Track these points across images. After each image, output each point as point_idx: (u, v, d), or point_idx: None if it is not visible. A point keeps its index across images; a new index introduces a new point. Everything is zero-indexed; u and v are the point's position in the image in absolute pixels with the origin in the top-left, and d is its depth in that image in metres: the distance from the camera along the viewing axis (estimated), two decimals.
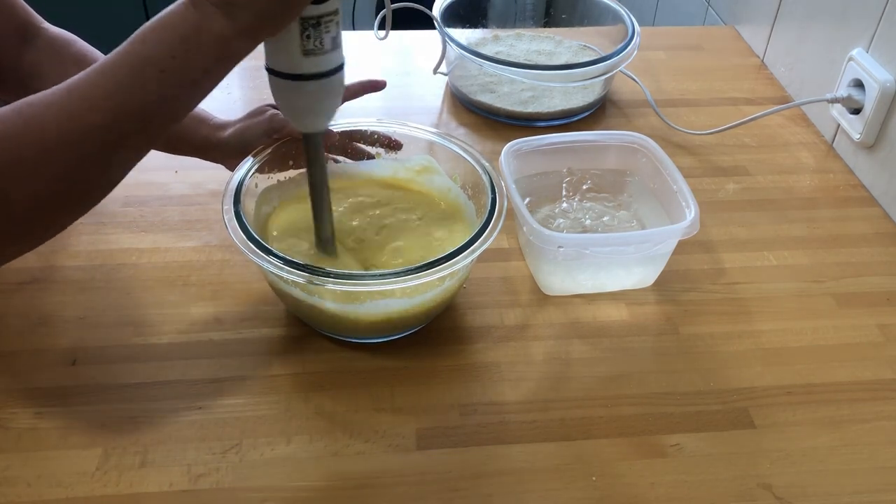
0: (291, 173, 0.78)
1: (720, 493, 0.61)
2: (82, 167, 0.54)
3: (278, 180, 0.77)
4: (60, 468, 0.61)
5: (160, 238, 0.81)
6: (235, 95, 1.04)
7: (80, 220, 0.83)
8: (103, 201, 0.83)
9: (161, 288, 0.76)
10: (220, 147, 0.77)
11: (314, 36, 0.57)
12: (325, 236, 0.70)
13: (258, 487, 0.60)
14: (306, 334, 0.72)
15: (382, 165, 0.80)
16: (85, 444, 0.62)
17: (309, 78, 0.60)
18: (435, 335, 0.72)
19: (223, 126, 0.78)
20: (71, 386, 0.67)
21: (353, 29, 1.91)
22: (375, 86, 0.81)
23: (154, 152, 0.93)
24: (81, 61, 0.76)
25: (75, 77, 0.53)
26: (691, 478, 0.62)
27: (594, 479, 0.61)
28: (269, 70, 0.60)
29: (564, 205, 0.83)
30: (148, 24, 0.54)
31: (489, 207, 0.69)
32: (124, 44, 0.54)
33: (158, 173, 0.89)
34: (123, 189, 0.86)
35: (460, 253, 0.64)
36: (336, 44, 0.59)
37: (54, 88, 0.53)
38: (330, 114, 0.64)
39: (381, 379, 0.68)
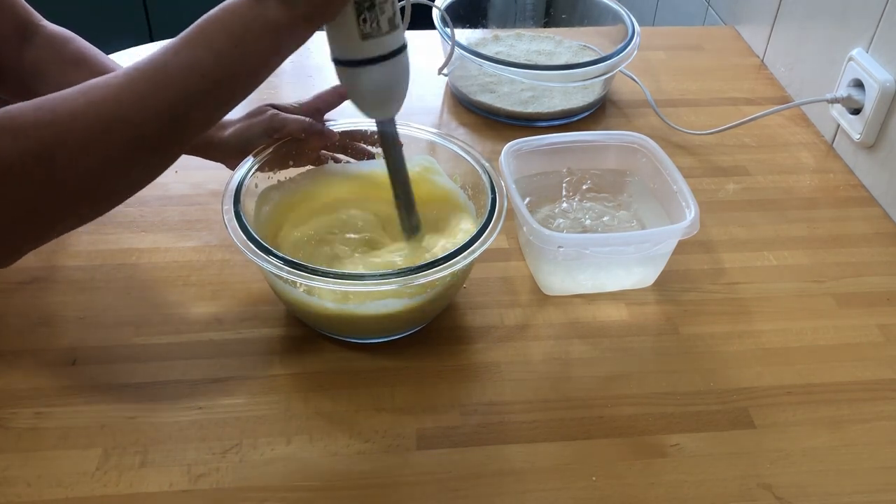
0: (291, 173, 0.78)
1: (720, 493, 0.61)
2: (140, 148, 0.55)
3: (278, 180, 0.77)
4: (60, 468, 0.61)
5: (160, 238, 0.81)
6: None
7: None
8: None
9: (161, 288, 0.76)
10: (221, 147, 0.77)
11: (370, 18, 0.58)
12: (412, 224, 0.71)
13: (258, 487, 0.60)
14: (306, 334, 0.72)
15: (383, 165, 0.80)
16: (85, 444, 0.62)
17: (371, 62, 0.60)
18: (435, 335, 0.72)
19: (224, 125, 0.78)
20: (71, 386, 0.67)
21: None
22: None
23: None
24: (80, 59, 0.76)
25: (136, 62, 0.55)
26: (691, 478, 0.62)
27: (594, 479, 0.61)
28: (335, 61, 0.61)
29: (564, 205, 0.83)
30: (209, 13, 0.56)
31: (489, 207, 0.69)
32: (186, 31, 0.56)
33: None
34: None
35: (460, 253, 0.64)
36: (394, 24, 0.60)
37: (116, 72, 0.55)
38: (399, 99, 0.64)
39: (381, 379, 0.68)
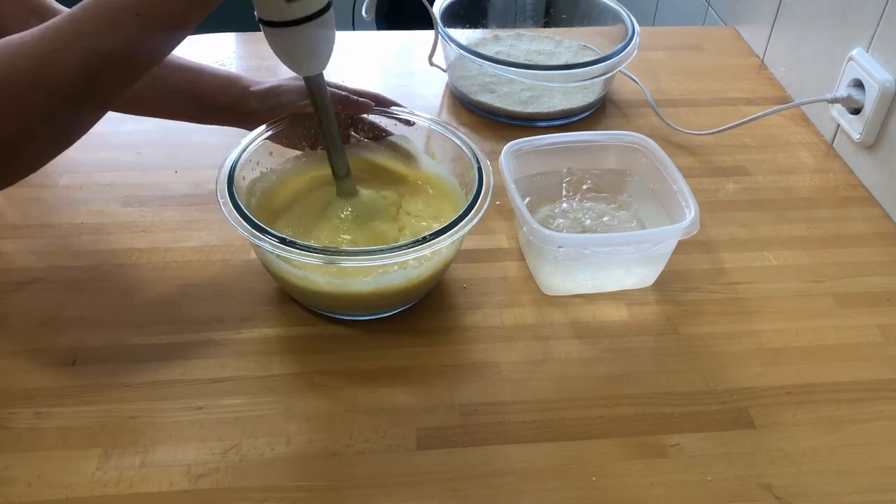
0: (274, 163, 0.78)
1: (720, 493, 0.61)
2: (52, 110, 0.54)
3: (261, 171, 0.77)
4: (60, 468, 0.61)
5: (160, 238, 0.81)
6: None
7: (81, 219, 0.83)
8: (104, 201, 0.83)
9: (161, 288, 0.76)
10: (250, 98, 0.76)
11: None
12: (341, 174, 0.72)
13: (258, 487, 0.60)
14: (306, 334, 0.72)
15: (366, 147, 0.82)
16: (85, 444, 0.62)
17: (297, 23, 0.60)
18: (435, 335, 0.72)
19: (256, 83, 0.78)
20: (71, 386, 0.67)
21: (354, 29, 1.91)
22: (379, 102, 0.81)
23: (153, 152, 0.93)
24: None
25: (49, 21, 0.53)
26: (691, 478, 0.62)
27: (594, 479, 0.61)
28: (260, 20, 0.61)
29: (564, 205, 0.83)
30: None
31: (477, 179, 0.70)
32: None
33: (158, 173, 0.89)
34: (123, 189, 0.87)
35: (453, 227, 0.65)
36: None
37: (28, 31, 0.53)
38: (326, 54, 0.64)
39: (381, 379, 0.68)
